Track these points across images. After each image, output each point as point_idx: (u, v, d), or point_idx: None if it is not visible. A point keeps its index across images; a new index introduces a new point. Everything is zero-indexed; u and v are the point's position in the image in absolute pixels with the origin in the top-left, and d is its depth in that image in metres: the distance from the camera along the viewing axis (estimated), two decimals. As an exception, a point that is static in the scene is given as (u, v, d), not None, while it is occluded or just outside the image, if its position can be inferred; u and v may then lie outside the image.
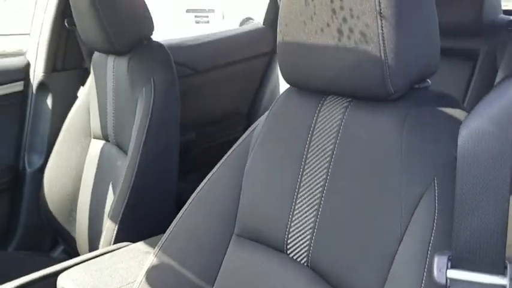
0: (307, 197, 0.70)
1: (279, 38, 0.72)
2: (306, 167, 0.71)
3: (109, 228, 1.13)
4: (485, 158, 0.50)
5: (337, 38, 0.63)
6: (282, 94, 0.79)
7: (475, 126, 0.51)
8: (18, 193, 1.51)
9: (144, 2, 1.26)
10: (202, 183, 0.83)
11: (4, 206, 1.49)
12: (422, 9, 0.62)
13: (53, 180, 1.40)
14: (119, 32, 1.20)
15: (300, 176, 0.71)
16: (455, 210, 0.52)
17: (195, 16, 5.83)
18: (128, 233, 1.12)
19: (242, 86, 1.76)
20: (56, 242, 1.54)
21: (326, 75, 0.67)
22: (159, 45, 1.27)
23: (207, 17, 5.73)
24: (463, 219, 0.51)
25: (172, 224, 0.83)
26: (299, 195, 0.71)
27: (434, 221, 0.55)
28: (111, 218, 1.13)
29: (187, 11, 6.45)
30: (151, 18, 1.26)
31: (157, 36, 1.32)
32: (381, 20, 0.59)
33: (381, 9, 0.58)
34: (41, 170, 1.45)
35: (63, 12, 1.44)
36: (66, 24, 1.47)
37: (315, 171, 0.70)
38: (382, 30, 0.59)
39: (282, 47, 0.72)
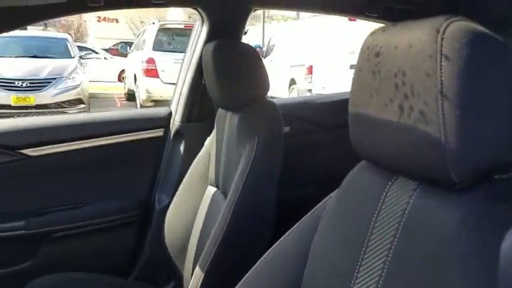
0: (365, 282, 0.65)
1: (349, 108, 0.69)
2: (367, 249, 0.66)
3: (200, 269, 1.18)
4: None
5: (399, 115, 0.58)
6: (355, 168, 0.75)
7: None
8: (145, 227, 1.68)
9: (262, 63, 1.34)
10: (268, 251, 0.82)
11: (132, 237, 1.67)
12: (491, 89, 0.53)
13: (172, 219, 1.53)
14: (234, 91, 1.31)
15: (360, 260, 0.66)
16: None
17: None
18: (215, 278, 1.15)
19: None
20: (170, 277, 1.66)
21: (391, 153, 0.62)
22: (271, 104, 1.33)
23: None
24: None
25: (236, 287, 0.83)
26: (357, 280, 0.66)
27: None
28: (203, 258, 1.18)
29: (351, 67, 6.58)
30: (267, 78, 1.34)
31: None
32: (442, 100, 0.52)
33: (442, 88, 0.52)
34: (167, 208, 1.60)
35: (201, 72, 1.61)
36: (202, 81, 1.64)
37: (375, 256, 0.64)
38: (443, 110, 0.52)
39: (352, 118, 0.69)
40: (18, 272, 1.53)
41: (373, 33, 0.65)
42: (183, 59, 1.77)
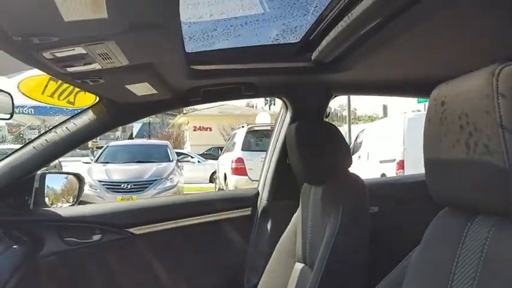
0: None
1: (424, 158, 0.74)
2: None
3: None
4: None
5: (466, 152, 0.63)
6: (435, 217, 0.77)
7: None
8: None
9: (343, 138, 1.43)
10: None
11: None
12: None
13: None
14: (318, 166, 1.39)
15: None
16: None
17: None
18: None
19: None
20: None
21: (465, 193, 0.66)
22: (354, 175, 1.38)
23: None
24: None
25: None
26: None
27: None
28: None
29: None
30: (349, 152, 1.41)
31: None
32: (503, 132, 0.57)
33: (501, 122, 0.58)
34: (256, 287, 1.63)
35: (286, 153, 1.73)
36: (287, 161, 1.75)
37: None
38: (505, 141, 0.57)
39: (427, 166, 0.74)
40: None
41: (438, 88, 0.72)
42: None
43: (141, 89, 1.34)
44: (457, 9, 0.94)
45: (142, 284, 1.68)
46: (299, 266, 1.48)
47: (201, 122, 21.44)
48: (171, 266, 1.71)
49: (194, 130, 22.50)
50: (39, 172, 1.59)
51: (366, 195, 1.32)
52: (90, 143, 14.56)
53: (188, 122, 21.71)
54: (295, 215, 1.65)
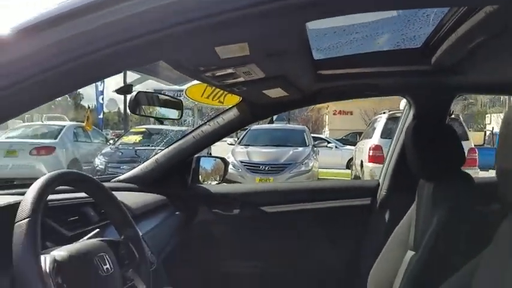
0: None
1: (497, 168, 0.85)
2: None
3: None
4: None
5: None
6: (504, 220, 0.87)
7: None
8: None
9: (459, 140, 1.50)
10: None
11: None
12: None
13: (373, 283, 1.71)
14: (431, 164, 1.49)
15: None
16: None
17: None
18: None
19: None
20: None
21: None
22: (465, 174, 1.45)
23: None
24: None
25: None
26: None
27: None
28: None
29: None
30: (463, 153, 1.48)
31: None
32: None
33: None
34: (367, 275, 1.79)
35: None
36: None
37: None
38: None
39: (499, 175, 0.84)
40: None
41: None
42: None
43: (275, 92, 1.61)
44: None
45: (268, 254, 1.98)
46: (410, 254, 1.61)
47: (342, 105, 21.04)
48: (295, 243, 1.97)
49: (334, 114, 22.38)
50: (195, 156, 1.99)
51: (475, 193, 1.40)
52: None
53: (328, 106, 21.36)
54: (411, 208, 1.76)
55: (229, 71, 1.26)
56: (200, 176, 2.04)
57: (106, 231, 1.26)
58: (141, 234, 1.44)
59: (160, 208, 1.78)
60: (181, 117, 1.80)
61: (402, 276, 1.57)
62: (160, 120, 1.98)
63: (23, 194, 0.94)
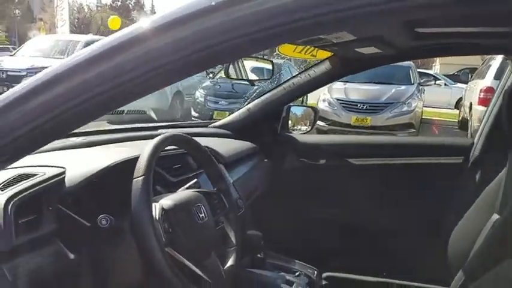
0: None
1: None
2: None
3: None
4: None
5: None
6: None
7: None
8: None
9: None
10: None
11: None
12: None
13: (455, 240, 1.72)
14: None
15: None
16: None
17: None
18: None
19: None
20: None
21: None
22: None
23: None
24: None
25: None
26: None
27: None
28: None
29: None
30: None
31: None
32: None
33: None
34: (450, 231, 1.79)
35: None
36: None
37: None
38: None
39: None
40: None
41: None
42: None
43: (369, 50, 1.60)
44: None
45: (351, 205, 2.04)
46: (495, 217, 1.59)
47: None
48: (379, 197, 2.01)
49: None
50: (286, 106, 2.08)
51: None
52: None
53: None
54: (502, 171, 1.70)
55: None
56: (290, 122, 2.13)
57: (202, 179, 1.45)
58: (231, 181, 1.61)
59: (251, 155, 1.93)
60: (272, 77, 1.88)
61: (484, 238, 1.57)
62: (251, 82, 2.08)
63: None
